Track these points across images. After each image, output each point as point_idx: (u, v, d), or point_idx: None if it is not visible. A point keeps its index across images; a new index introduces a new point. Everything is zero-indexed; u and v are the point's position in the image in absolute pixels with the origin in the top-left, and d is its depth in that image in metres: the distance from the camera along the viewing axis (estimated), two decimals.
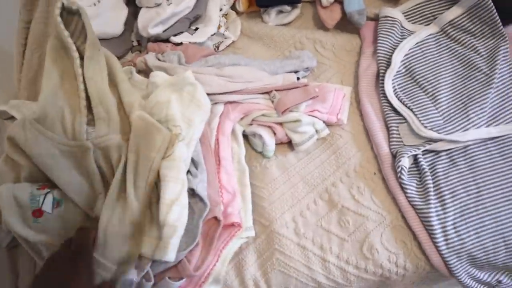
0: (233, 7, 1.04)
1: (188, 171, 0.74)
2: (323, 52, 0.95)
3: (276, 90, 0.82)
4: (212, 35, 0.96)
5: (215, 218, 0.73)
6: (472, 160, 0.80)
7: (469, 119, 0.81)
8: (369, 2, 0.99)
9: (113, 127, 0.75)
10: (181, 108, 0.78)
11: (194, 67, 0.84)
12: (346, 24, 0.96)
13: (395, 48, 0.90)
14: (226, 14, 1.03)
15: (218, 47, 0.99)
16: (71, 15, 0.78)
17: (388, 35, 0.91)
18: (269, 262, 0.77)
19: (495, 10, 0.87)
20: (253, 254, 0.78)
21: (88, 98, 0.76)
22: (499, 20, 0.88)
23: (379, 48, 0.90)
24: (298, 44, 0.97)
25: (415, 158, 0.81)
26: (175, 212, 0.68)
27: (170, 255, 0.66)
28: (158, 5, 0.95)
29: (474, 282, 0.77)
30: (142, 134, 0.72)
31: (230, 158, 0.80)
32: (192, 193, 0.72)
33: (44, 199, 0.68)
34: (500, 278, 0.79)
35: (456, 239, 0.75)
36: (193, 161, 0.76)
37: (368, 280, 0.77)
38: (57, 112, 0.75)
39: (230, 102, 0.84)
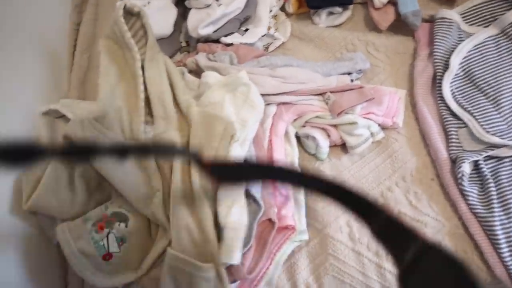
0: (282, 8, 1.03)
1: None
2: (376, 54, 0.93)
3: (330, 92, 0.81)
4: (262, 36, 0.95)
5: (269, 220, 0.72)
6: None
7: None
8: (423, 4, 0.96)
9: (171, 124, 0.75)
10: (234, 109, 0.77)
11: (247, 68, 0.83)
12: (399, 26, 0.94)
13: (452, 51, 0.87)
14: (276, 16, 1.02)
15: (267, 48, 0.98)
16: (129, 16, 0.79)
17: (445, 37, 0.88)
18: (322, 267, 0.75)
19: None
20: (306, 258, 0.76)
21: (146, 99, 0.77)
22: None
23: (435, 50, 0.87)
24: (350, 46, 0.95)
25: (476, 164, 0.77)
26: (235, 214, 0.67)
27: (237, 258, 0.65)
28: (208, 6, 0.95)
29: None
30: (203, 126, 0.72)
31: (284, 159, 0.79)
32: (246, 194, 0.71)
33: (108, 242, 0.69)
34: None
35: None
36: None
37: None
38: (115, 112, 0.76)
39: (283, 103, 0.82)
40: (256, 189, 0.72)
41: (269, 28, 0.97)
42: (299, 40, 0.98)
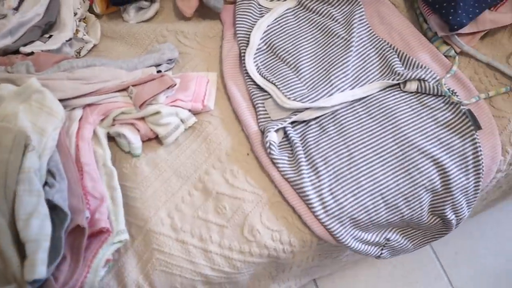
0: (92, 10, 0.99)
1: (46, 183, 0.69)
2: (186, 42, 0.92)
3: (133, 85, 0.79)
4: (67, 40, 0.90)
5: (80, 226, 0.68)
6: (341, 125, 0.80)
7: (332, 84, 0.81)
8: None
9: None
10: (31, 118, 0.73)
11: (44, 74, 0.79)
12: (207, 12, 0.94)
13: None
14: (85, 18, 0.98)
15: (79, 53, 0.94)
16: None
17: (246, 15, 0.90)
18: (150, 264, 0.72)
19: None
20: (133, 259, 0.73)
21: None
22: None
23: (237, 28, 0.88)
24: (160, 37, 0.93)
25: (285, 132, 0.79)
26: (35, 225, 0.63)
27: (41, 272, 0.60)
28: (4, 16, 0.89)
29: (363, 245, 0.77)
30: None
31: (93, 163, 0.75)
32: (48, 203, 0.67)
33: None
34: (388, 236, 0.80)
35: (334, 204, 0.74)
36: (50, 172, 0.70)
37: (257, 264, 0.75)
38: None
39: (89, 105, 0.79)
40: (62, 197, 0.68)
41: (77, 31, 0.93)
42: (111, 40, 0.95)
